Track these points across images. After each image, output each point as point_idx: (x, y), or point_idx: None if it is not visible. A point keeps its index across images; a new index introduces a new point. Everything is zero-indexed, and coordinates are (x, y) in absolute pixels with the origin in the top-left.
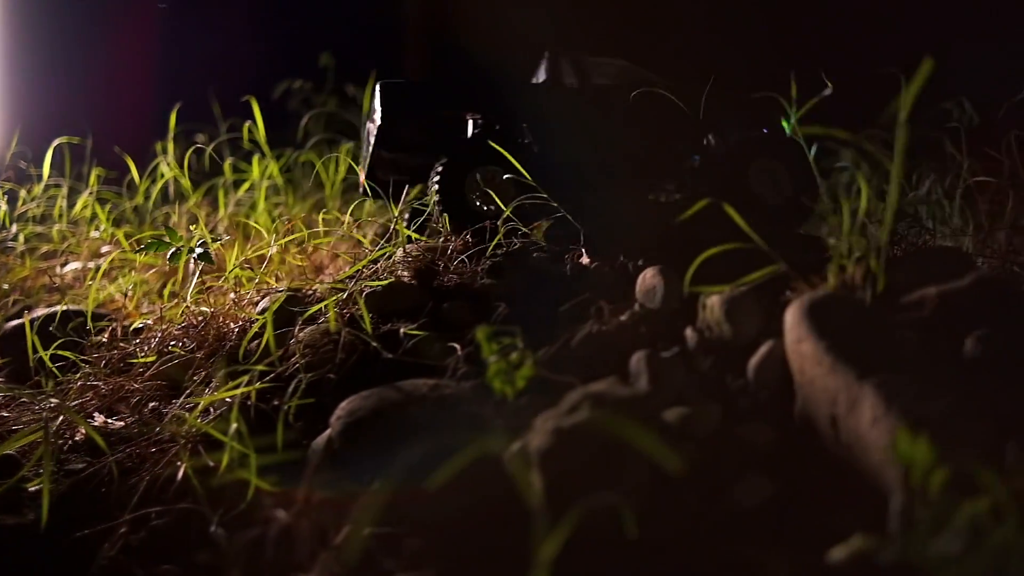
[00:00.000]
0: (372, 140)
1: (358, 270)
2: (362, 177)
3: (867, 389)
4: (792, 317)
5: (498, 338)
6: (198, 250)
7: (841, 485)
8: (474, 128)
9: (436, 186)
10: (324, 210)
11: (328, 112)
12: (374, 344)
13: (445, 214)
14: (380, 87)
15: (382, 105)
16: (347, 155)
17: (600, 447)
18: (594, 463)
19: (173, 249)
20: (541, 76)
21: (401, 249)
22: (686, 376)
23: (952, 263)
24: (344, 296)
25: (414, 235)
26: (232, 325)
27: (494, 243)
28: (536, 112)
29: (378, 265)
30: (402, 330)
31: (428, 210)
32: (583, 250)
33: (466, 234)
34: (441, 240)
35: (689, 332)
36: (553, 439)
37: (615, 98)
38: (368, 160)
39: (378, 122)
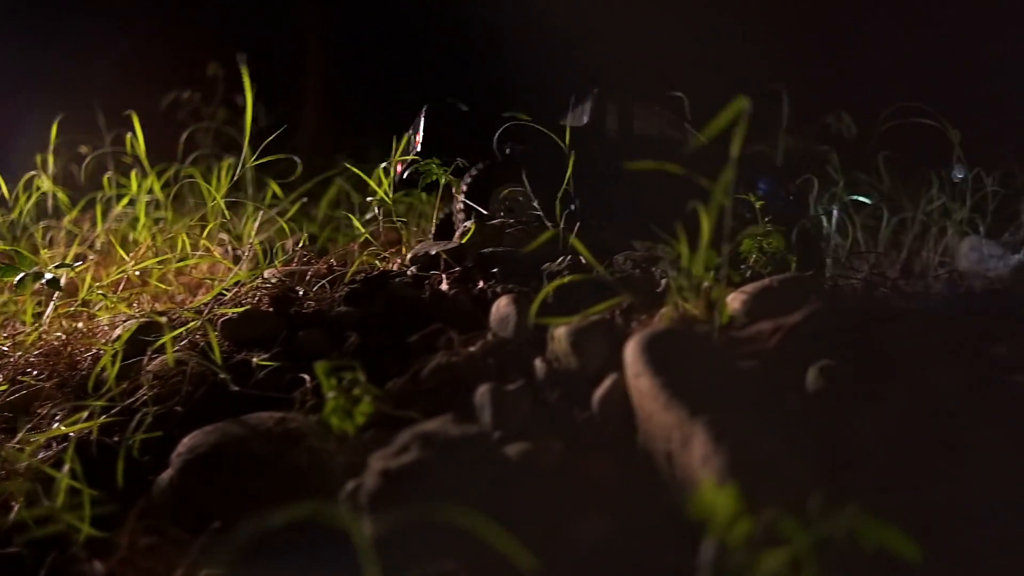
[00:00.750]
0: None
1: (218, 295)
2: (398, 168)
3: (698, 427)
4: (631, 351)
5: (340, 372)
6: (47, 276)
7: (679, 522)
8: (508, 153)
9: (464, 195)
10: (204, 227)
11: (215, 126)
12: (223, 375)
13: (469, 219)
14: (425, 111)
15: (424, 127)
16: (228, 170)
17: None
18: (424, 506)
19: (20, 275)
20: (582, 115)
21: (263, 274)
22: (532, 409)
23: (796, 293)
24: (198, 324)
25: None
26: (86, 353)
27: (354, 268)
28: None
29: (239, 289)
30: (254, 360)
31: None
32: (443, 276)
33: (329, 258)
34: (301, 264)
35: (539, 363)
36: (381, 481)
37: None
38: (408, 163)
39: (420, 139)
